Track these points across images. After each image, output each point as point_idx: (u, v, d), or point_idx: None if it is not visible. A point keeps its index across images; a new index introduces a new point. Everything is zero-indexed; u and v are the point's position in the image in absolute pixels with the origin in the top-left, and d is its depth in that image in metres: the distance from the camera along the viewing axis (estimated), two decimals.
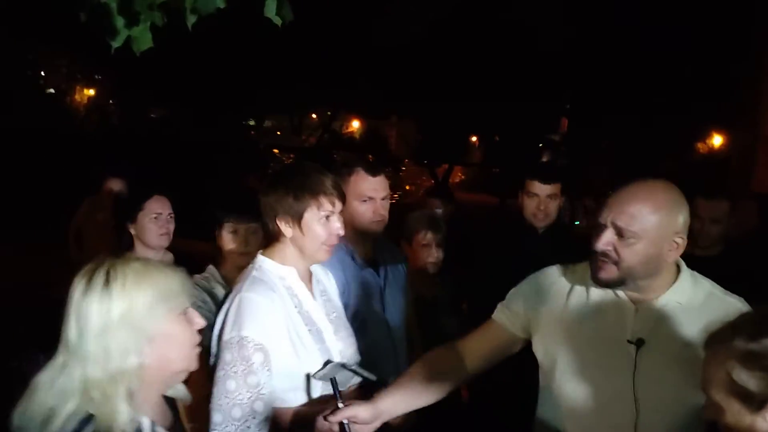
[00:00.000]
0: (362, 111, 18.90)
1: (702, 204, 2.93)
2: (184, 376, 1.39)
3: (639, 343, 1.59)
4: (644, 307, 1.63)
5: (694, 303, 1.64)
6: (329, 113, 19.24)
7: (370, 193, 2.35)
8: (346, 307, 2.16)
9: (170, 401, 1.43)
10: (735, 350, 1.17)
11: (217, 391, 1.71)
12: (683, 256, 3.03)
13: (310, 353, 1.81)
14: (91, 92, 16.21)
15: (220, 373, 1.71)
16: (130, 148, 10.97)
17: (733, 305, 1.64)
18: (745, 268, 2.85)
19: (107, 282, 1.25)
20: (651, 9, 11.44)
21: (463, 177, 29.78)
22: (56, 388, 1.22)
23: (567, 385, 1.68)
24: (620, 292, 1.65)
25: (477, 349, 1.86)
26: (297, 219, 1.83)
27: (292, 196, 1.82)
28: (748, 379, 1.15)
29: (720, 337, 1.21)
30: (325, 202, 1.83)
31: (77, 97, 16.04)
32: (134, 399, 1.25)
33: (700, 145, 25.96)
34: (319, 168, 1.91)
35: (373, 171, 2.37)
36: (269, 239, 1.93)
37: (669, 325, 1.61)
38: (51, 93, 15.32)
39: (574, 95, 14.99)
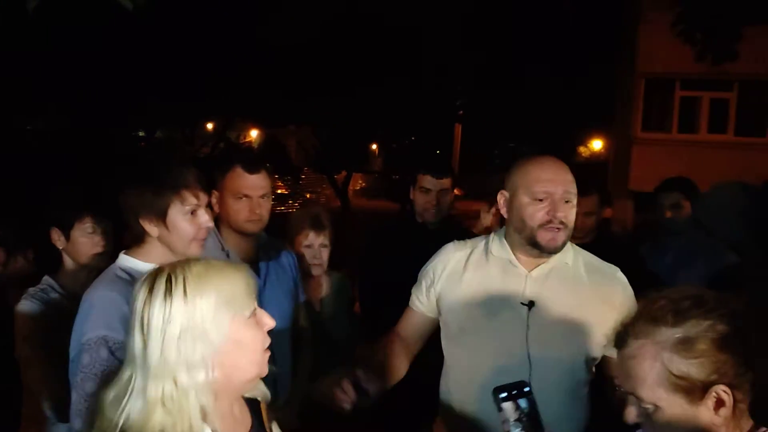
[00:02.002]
0: (259, 119, 18.52)
1: (577, 200, 3.07)
2: (255, 383, 1.30)
3: (530, 304, 1.77)
4: (535, 271, 1.82)
5: (578, 264, 1.87)
6: (223, 122, 18.76)
7: (247, 191, 2.28)
8: None
9: (252, 402, 1.35)
10: (665, 342, 1.11)
11: (77, 396, 1.62)
12: None
13: None
14: None
15: (78, 377, 1.63)
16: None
17: (611, 269, 1.92)
18: (614, 257, 3.06)
19: (169, 290, 1.16)
20: (531, 22, 12.03)
21: (363, 184, 30.00)
22: (124, 404, 1.15)
23: (469, 347, 1.84)
24: (515, 260, 1.84)
25: (408, 334, 2.03)
26: (161, 216, 1.75)
27: (152, 192, 1.74)
28: (687, 367, 1.09)
29: (639, 333, 1.14)
30: (188, 196, 1.76)
31: None
32: (205, 411, 1.16)
33: (582, 149, 27.69)
34: (178, 160, 1.84)
35: (251, 168, 2.29)
36: (133, 239, 1.84)
37: (556, 286, 1.81)
38: None
39: (467, 103, 15.43)
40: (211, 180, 2.34)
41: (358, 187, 28.69)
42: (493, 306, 1.82)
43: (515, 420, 1.18)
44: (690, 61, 7.02)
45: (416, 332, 2.03)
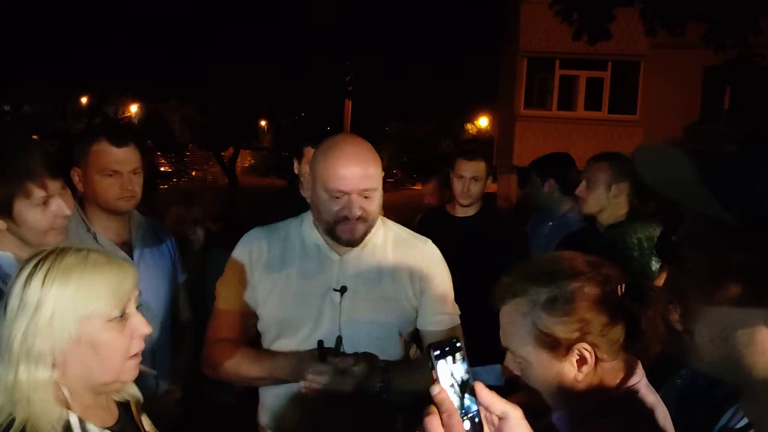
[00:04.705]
0: (138, 92, 17.50)
1: (463, 164, 3.09)
2: (119, 386, 1.22)
3: (342, 290, 1.75)
4: (346, 256, 1.78)
5: (387, 243, 1.83)
6: (99, 95, 17.56)
7: (115, 166, 2.10)
8: None
9: (124, 404, 1.28)
10: (536, 300, 1.15)
11: None
12: (444, 217, 3.24)
13: None
14: None
15: None
16: None
17: (419, 240, 1.87)
18: (497, 228, 3.14)
19: (30, 276, 1.09)
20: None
21: (253, 161, 29.35)
22: None
23: (286, 337, 1.77)
24: (326, 246, 1.78)
25: (234, 337, 1.84)
26: (5, 211, 1.57)
27: None
28: (553, 324, 1.13)
29: (517, 291, 1.18)
30: (33, 188, 1.58)
31: None
32: (64, 398, 1.11)
33: (469, 126, 28.56)
34: (19, 142, 1.64)
35: (117, 141, 2.11)
36: None
37: (366, 268, 1.78)
38: None
39: (356, 78, 15.36)
40: (71, 156, 2.13)
41: (247, 165, 28.05)
42: (307, 295, 1.76)
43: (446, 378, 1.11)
44: (569, 41, 7.34)
45: (240, 334, 1.83)
